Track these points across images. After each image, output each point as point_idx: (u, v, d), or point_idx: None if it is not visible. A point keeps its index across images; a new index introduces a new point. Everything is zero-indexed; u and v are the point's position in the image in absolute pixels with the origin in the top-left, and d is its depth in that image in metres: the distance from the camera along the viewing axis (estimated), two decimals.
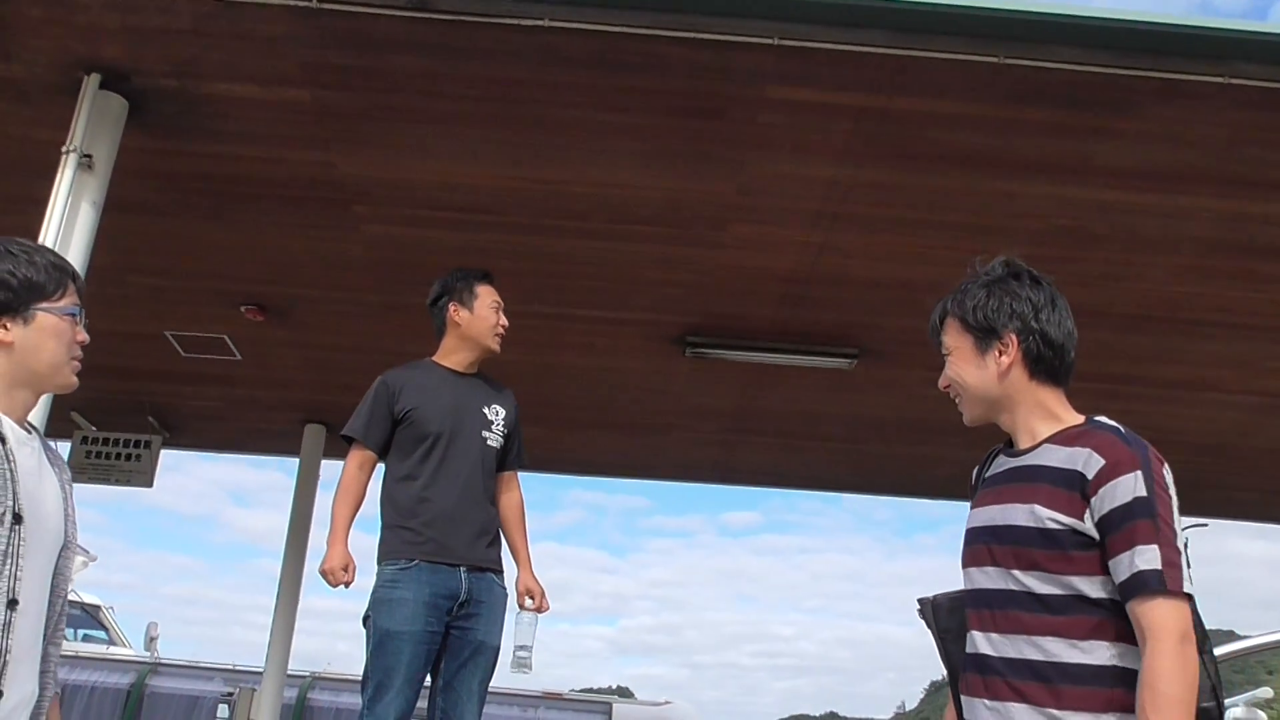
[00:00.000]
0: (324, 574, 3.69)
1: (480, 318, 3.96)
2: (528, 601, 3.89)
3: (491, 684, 3.86)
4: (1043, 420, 2.13)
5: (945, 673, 2.24)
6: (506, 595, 3.88)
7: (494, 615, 3.79)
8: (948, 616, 2.22)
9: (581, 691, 13.72)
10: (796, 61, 4.05)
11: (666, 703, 11.78)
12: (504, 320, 4.00)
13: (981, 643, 2.07)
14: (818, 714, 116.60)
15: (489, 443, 3.89)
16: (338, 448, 7.23)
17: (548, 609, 3.95)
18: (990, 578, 2.08)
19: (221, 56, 4.23)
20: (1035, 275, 2.21)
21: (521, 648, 3.85)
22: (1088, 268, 5.34)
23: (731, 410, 7.69)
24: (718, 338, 6.46)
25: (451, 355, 3.99)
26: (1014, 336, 2.14)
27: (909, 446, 8.19)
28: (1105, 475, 1.96)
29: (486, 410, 3.92)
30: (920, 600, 2.29)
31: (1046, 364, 2.14)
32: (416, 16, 3.90)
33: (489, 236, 5.39)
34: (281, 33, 4.06)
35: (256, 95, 4.46)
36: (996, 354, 2.16)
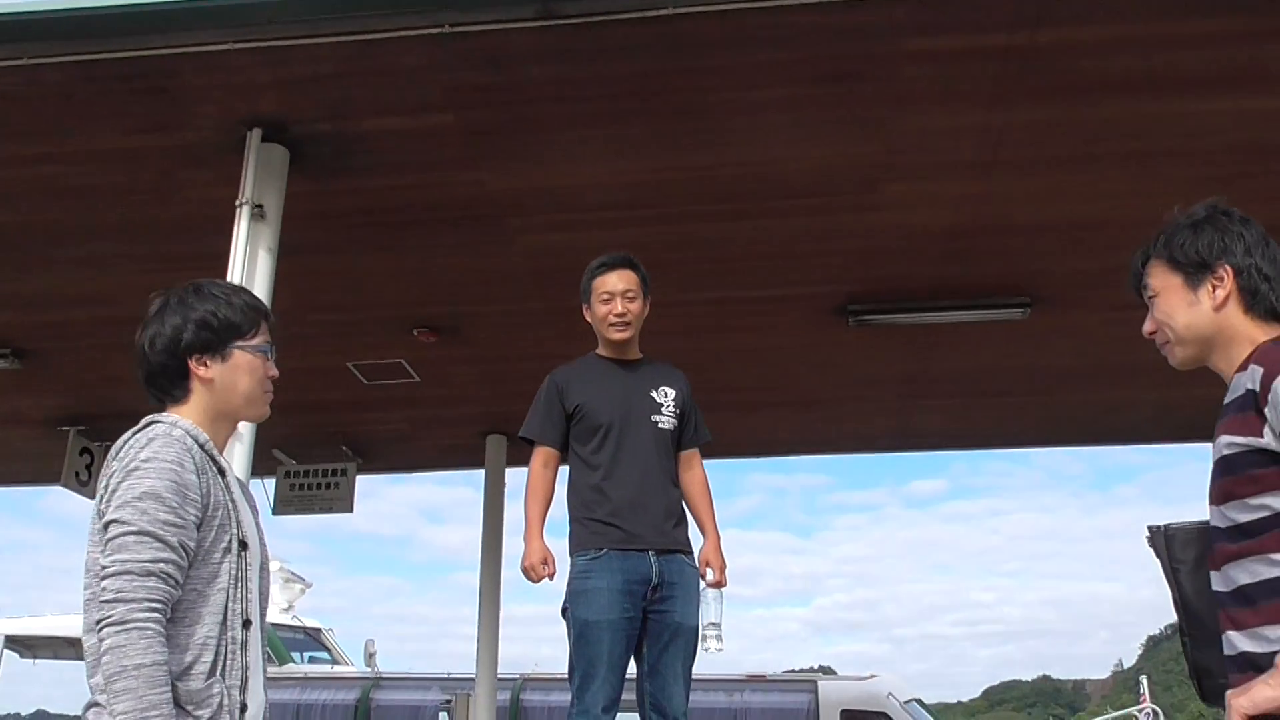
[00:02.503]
0: (525, 570, 3.79)
1: (598, 315, 4.00)
2: (708, 574, 3.89)
3: (695, 670, 3.89)
4: None
5: (1176, 615, 2.14)
6: (698, 574, 3.90)
7: (688, 596, 3.82)
8: (1182, 548, 2.14)
9: (785, 673, 13.69)
10: (931, 10, 3.93)
11: (872, 676, 11.64)
12: (616, 308, 3.95)
13: (1213, 581, 2.04)
14: (1029, 678, 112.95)
15: (660, 425, 3.92)
16: (521, 455, 7.45)
17: (725, 584, 3.93)
18: (1213, 518, 2.04)
19: (367, 94, 4.42)
20: (1244, 216, 2.15)
21: (709, 624, 3.85)
22: (1270, 182, 4.97)
23: (904, 375, 7.52)
24: (882, 303, 6.33)
25: (604, 348, 4.05)
26: (1228, 268, 2.08)
27: (1097, 392, 7.83)
28: (1267, 381, 1.90)
29: (655, 394, 3.95)
30: (1150, 528, 2.21)
31: (1263, 299, 2.07)
32: (544, 25, 3.97)
33: (641, 231, 5.43)
34: (419, 62, 4.20)
35: (404, 126, 4.63)
36: (1210, 289, 2.09)
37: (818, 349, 7.06)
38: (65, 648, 14.49)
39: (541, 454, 3.94)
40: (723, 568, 3.92)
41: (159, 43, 4.07)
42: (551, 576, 3.79)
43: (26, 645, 16.65)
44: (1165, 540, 2.18)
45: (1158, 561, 2.19)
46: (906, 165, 4.93)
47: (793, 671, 14.63)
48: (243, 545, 2.11)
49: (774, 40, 4.09)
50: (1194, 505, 2.20)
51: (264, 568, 2.25)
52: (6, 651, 16.41)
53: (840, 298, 6.30)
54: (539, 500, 3.90)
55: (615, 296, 3.94)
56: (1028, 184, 5.10)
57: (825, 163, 4.92)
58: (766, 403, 8.13)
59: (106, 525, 1.98)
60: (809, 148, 4.79)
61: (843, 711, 10.86)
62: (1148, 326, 2.20)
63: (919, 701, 11.60)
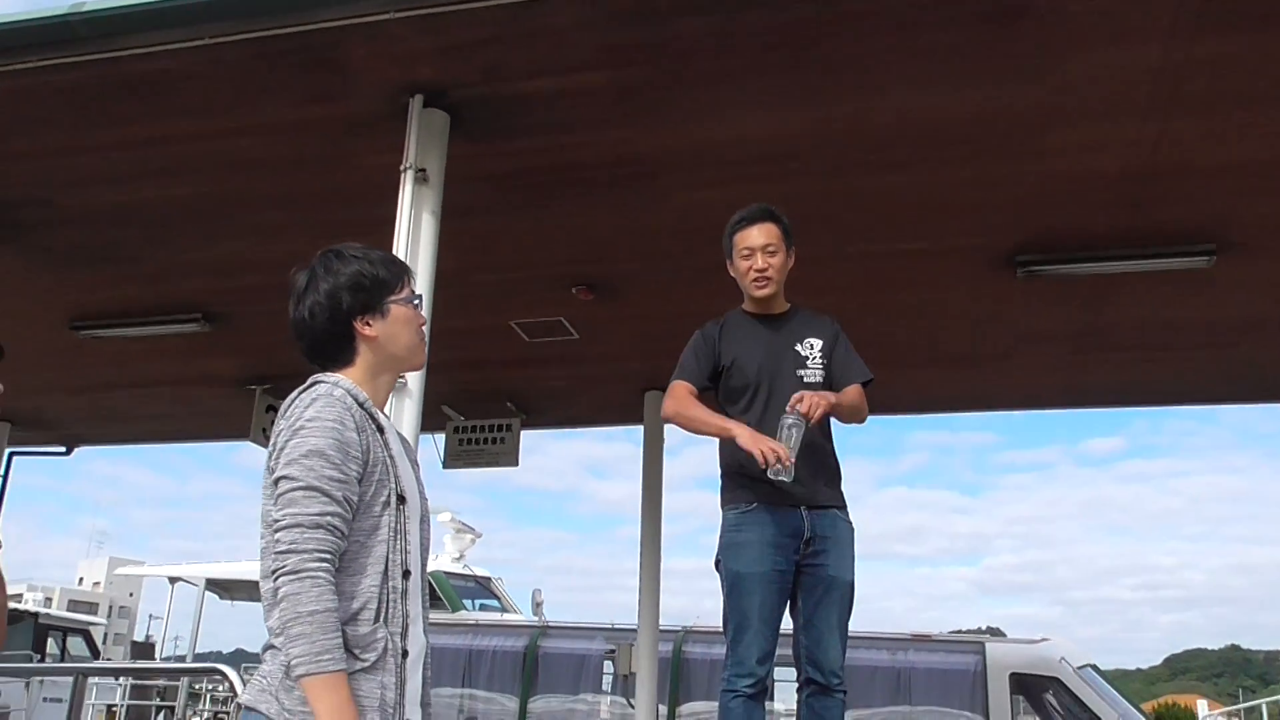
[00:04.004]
0: (762, 454, 3.50)
1: (739, 270, 3.95)
2: (797, 407, 3.61)
3: (859, 627, 3.84)
4: None
5: None
6: (853, 530, 3.85)
7: (842, 550, 3.77)
8: None
9: (951, 633, 13.42)
10: None
11: (1043, 640, 11.28)
12: (757, 263, 3.86)
13: None
14: (1216, 647, 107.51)
15: (807, 379, 3.83)
16: None
17: (813, 416, 3.56)
18: None
19: (522, 56, 4.49)
20: None
21: (780, 434, 3.57)
22: None
23: (1076, 329, 7.21)
24: (1053, 253, 6.07)
25: (749, 303, 4.01)
26: None
27: None
28: None
29: (800, 347, 3.87)
30: None
31: None
32: None
33: (794, 185, 5.36)
34: (571, 22, 4.24)
35: (558, 86, 4.69)
36: None
37: (983, 303, 6.84)
38: (260, 590, 15.45)
39: (681, 384, 3.88)
40: (815, 404, 3.58)
41: (324, 16, 4.24)
42: (786, 465, 3.52)
43: (225, 588, 17.94)
44: None
45: None
46: (1076, 108, 4.69)
47: (959, 632, 14.32)
48: (401, 499, 2.19)
49: None
50: None
51: (424, 520, 2.33)
52: (208, 594, 17.71)
53: (1008, 249, 6.07)
54: (698, 406, 3.79)
55: (755, 252, 3.88)
56: (1211, 123, 4.78)
57: (988, 108, 4.73)
58: (928, 359, 7.93)
59: (276, 481, 2.10)
60: (971, 93, 4.62)
61: (1012, 675, 10.57)
62: None
63: (1094, 667, 11.16)
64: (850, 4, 4.11)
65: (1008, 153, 5.10)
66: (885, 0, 4.09)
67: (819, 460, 3.83)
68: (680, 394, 3.86)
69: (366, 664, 2.05)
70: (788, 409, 3.63)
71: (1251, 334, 7.18)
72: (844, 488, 3.94)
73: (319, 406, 2.14)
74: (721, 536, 3.82)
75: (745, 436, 3.60)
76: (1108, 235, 5.86)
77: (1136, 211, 5.58)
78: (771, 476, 3.55)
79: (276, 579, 2.03)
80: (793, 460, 3.53)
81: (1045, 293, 6.56)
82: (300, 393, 2.21)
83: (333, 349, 2.29)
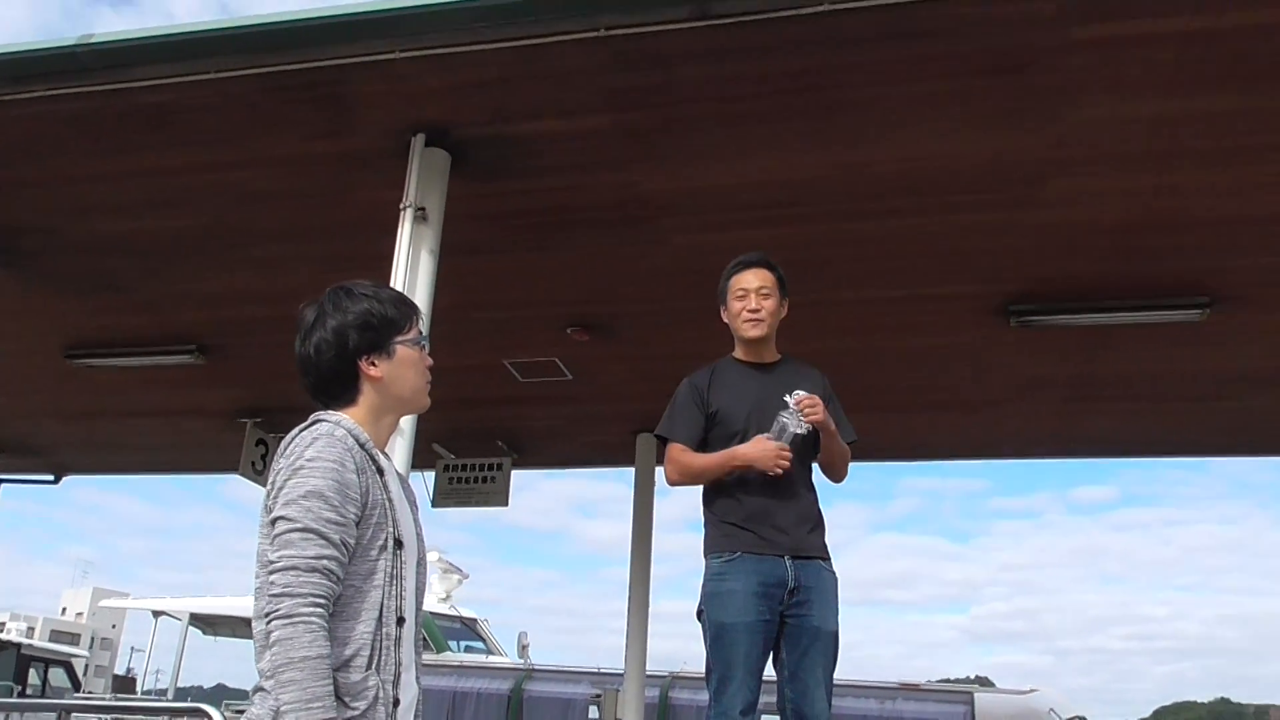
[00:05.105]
0: (770, 459, 3.66)
1: (732, 312, 3.96)
2: (799, 395, 3.70)
3: (847, 677, 3.79)
4: None
5: None
6: (836, 580, 3.81)
7: (826, 600, 3.73)
8: None
9: (939, 682, 13.31)
10: None
11: (1032, 690, 11.19)
12: (750, 304, 3.90)
13: None
14: (1206, 700, 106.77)
15: (795, 430, 3.83)
16: None
17: (813, 413, 3.67)
18: None
19: (526, 98, 4.52)
20: None
21: (775, 426, 3.71)
22: None
23: (1069, 378, 7.23)
24: (1046, 303, 6.10)
25: (740, 350, 4.01)
26: None
27: None
28: None
29: (789, 398, 3.86)
30: None
31: None
32: (698, 26, 3.98)
33: (794, 230, 5.38)
34: (576, 66, 4.27)
35: (561, 129, 4.72)
36: None
37: (977, 350, 6.86)
38: (243, 626, 15.29)
39: (677, 445, 3.89)
40: (817, 404, 3.71)
41: (332, 53, 4.26)
42: (786, 461, 3.68)
43: (209, 623, 17.73)
44: None
45: None
46: (1074, 159, 4.74)
47: (948, 681, 14.18)
48: (398, 544, 2.16)
49: (933, 34, 3.99)
50: None
51: (420, 564, 2.29)
52: (190, 628, 17.50)
53: (1002, 297, 6.10)
54: (696, 455, 3.83)
55: (749, 293, 3.91)
56: (1207, 176, 4.82)
57: (988, 158, 4.77)
58: (922, 405, 7.94)
59: (274, 521, 2.06)
60: (971, 143, 4.66)
61: None
62: None
63: (1082, 719, 11.09)
64: (855, 54, 4.15)
65: (1006, 201, 5.14)
66: (890, 50, 4.12)
67: (803, 509, 3.81)
68: (678, 456, 3.89)
69: (356, 712, 2.01)
70: (792, 402, 3.70)
71: (1245, 387, 7.21)
72: (830, 535, 3.91)
73: (320, 446, 2.11)
74: (705, 585, 3.77)
75: (752, 455, 3.70)
76: (1102, 286, 5.89)
77: (1131, 263, 5.62)
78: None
79: (270, 622, 1.99)
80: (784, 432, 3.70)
81: (1039, 342, 6.59)
82: (301, 431, 2.17)
83: (337, 387, 2.25)
